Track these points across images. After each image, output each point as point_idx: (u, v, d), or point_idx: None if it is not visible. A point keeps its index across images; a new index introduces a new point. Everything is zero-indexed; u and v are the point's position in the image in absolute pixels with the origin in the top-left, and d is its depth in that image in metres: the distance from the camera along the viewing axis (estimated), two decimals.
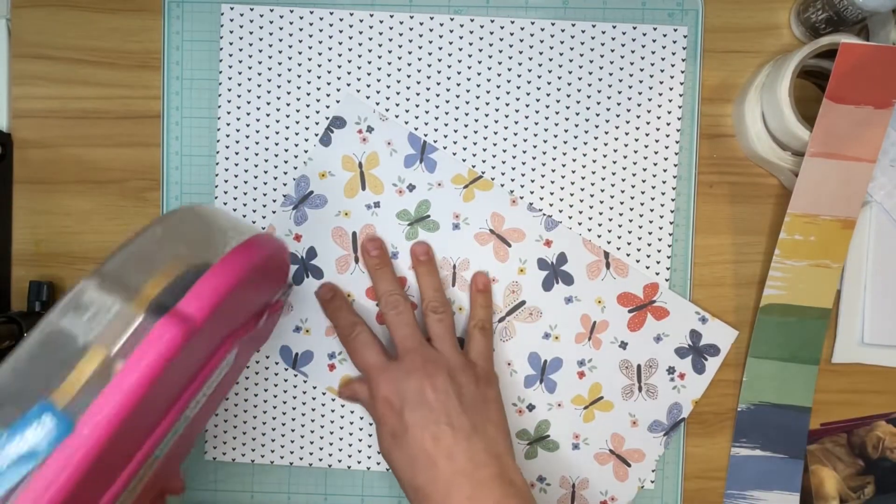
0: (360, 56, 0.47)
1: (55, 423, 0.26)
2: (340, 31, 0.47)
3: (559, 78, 0.47)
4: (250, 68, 0.47)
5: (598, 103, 0.47)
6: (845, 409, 0.48)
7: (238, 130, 0.47)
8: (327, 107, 0.47)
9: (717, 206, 0.47)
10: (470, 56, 0.47)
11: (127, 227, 0.48)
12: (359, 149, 0.47)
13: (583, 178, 0.47)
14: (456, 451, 0.39)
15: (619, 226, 0.47)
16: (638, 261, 0.47)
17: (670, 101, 0.47)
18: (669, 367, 0.47)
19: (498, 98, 0.47)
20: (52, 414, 0.26)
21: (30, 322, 0.45)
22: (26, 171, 0.48)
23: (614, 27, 0.47)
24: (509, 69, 0.47)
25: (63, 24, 0.47)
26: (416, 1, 0.47)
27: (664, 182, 0.47)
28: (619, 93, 0.47)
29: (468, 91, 0.47)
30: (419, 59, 0.47)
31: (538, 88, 0.47)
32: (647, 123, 0.47)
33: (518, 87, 0.47)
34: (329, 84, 0.47)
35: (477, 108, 0.47)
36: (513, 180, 0.47)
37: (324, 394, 0.48)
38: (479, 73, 0.47)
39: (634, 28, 0.46)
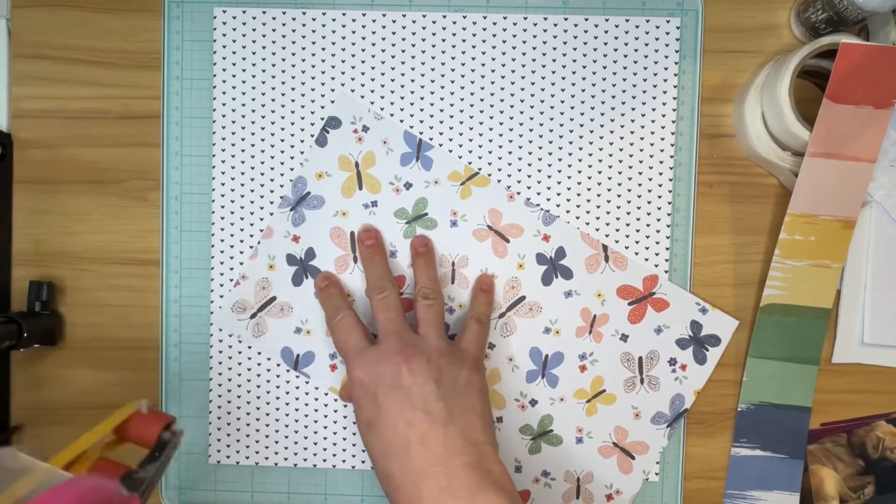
0: (353, 56, 0.47)
1: None
2: (333, 32, 0.47)
3: (553, 72, 0.47)
4: (244, 70, 0.47)
5: (593, 96, 0.47)
6: (845, 409, 0.48)
7: (234, 133, 0.47)
8: (322, 107, 0.47)
9: (716, 205, 0.47)
10: (464, 53, 0.47)
11: (127, 227, 0.48)
12: (355, 148, 0.47)
13: (580, 171, 0.47)
14: (431, 437, 0.38)
15: (617, 219, 0.47)
16: (637, 253, 0.47)
17: (665, 92, 0.47)
18: (671, 359, 0.47)
19: (493, 94, 0.47)
20: None
21: (30, 322, 0.45)
22: (26, 171, 0.48)
23: (607, 20, 0.47)
24: (503, 65, 0.47)
25: (63, 24, 0.47)
26: (416, 0, 0.47)
27: (661, 174, 0.47)
28: (614, 86, 0.47)
29: (463, 88, 0.47)
30: (413, 58, 0.47)
31: (532, 83, 0.47)
32: (643, 115, 0.47)
33: (513, 83, 0.47)
34: (323, 84, 0.47)
35: (472, 105, 0.47)
36: (509, 176, 0.47)
37: (326, 394, 0.48)
38: (473, 70, 0.47)
39: (627, 20, 0.47)
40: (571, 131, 0.47)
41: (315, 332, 0.47)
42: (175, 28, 0.47)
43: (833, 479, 0.48)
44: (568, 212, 0.47)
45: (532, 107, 0.47)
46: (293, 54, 0.47)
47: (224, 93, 0.47)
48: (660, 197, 0.47)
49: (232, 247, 0.47)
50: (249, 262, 0.47)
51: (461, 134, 0.47)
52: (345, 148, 0.47)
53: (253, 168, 0.47)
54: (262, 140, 0.47)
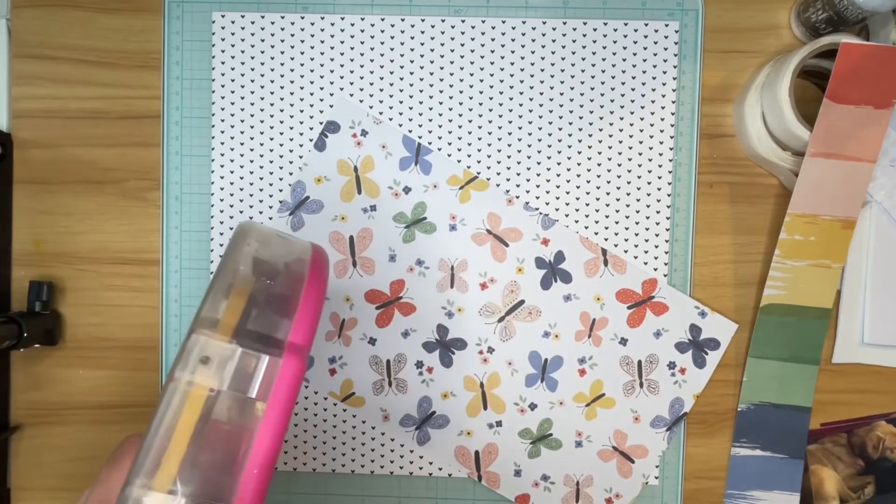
0: (352, 60, 0.47)
1: None
2: (332, 37, 0.47)
3: (552, 76, 0.47)
4: (243, 75, 0.47)
5: (592, 100, 0.47)
6: (845, 409, 0.48)
7: (233, 138, 0.47)
8: (321, 112, 0.47)
9: (717, 205, 0.47)
10: (462, 57, 0.47)
11: (127, 227, 0.48)
12: (353, 153, 0.47)
13: (578, 175, 0.47)
14: None
15: (616, 223, 0.47)
16: (636, 257, 0.47)
17: (664, 96, 0.47)
18: (670, 362, 0.47)
19: (491, 98, 0.47)
20: None
21: (30, 322, 0.45)
22: (26, 171, 0.48)
23: (605, 24, 0.47)
24: (502, 69, 0.47)
25: (63, 24, 0.47)
26: (416, 0, 0.47)
27: (660, 178, 0.47)
28: (613, 89, 0.47)
29: (461, 92, 0.47)
30: (412, 62, 0.47)
31: (531, 87, 0.47)
32: (641, 119, 0.47)
33: (511, 87, 0.47)
34: (322, 89, 0.47)
35: (471, 109, 0.47)
36: (508, 180, 0.47)
37: (325, 399, 0.48)
38: (471, 74, 0.47)
39: (626, 24, 0.47)
40: (570, 135, 0.47)
41: (314, 337, 0.47)
42: (175, 28, 0.47)
43: (833, 479, 0.48)
44: (567, 216, 0.47)
45: (531, 111, 0.47)
46: (292, 59, 0.47)
47: (223, 97, 0.47)
48: (658, 201, 0.47)
49: None
50: None
51: (460, 138, 0.47)
52: (344, 152, 0.47)
53: (252, 173, 0.47)
54: (262, 145, 0.47)
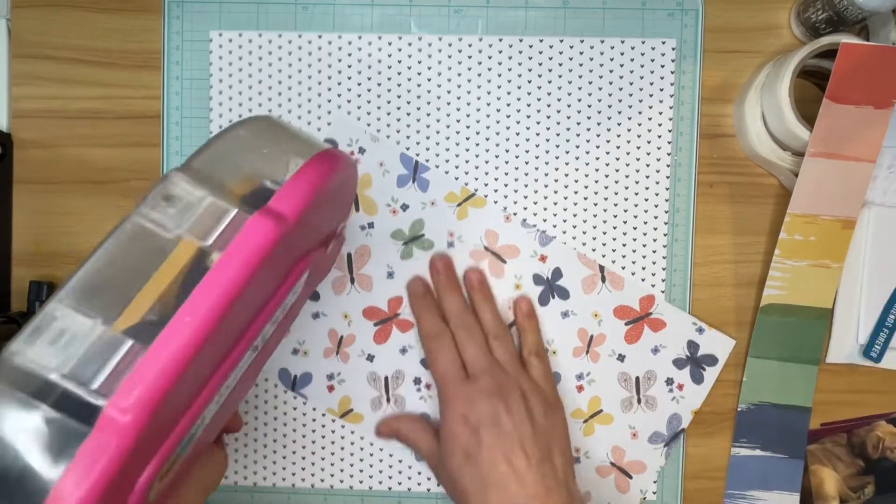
0: (349, 78, 0.47)
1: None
2: (329, 55, 0.47)
3: (549, 94, 0.47)
4: (240, 93, 0.47)
5: (589, 118, 0.47)
6: (845, 409, 0.48)
7: None
8: (318, 130, 0.47)
9: (716, 206, 0.47)
10: (459, 75, 0.47)
11: None
12: None
13: (576, 192, 0.47)
14: (528, 476, 0.39)
15: (614, 239, 0.47)
16: (633, 273, 0.47)
17: (661, 113, 0.47)
18: (668, 379, 0.47)
19: (489, 116, 0.47)
20: None
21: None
22: (26, 171, 0.48)
23: (602, 41, 0.46)
24: (499, 86, 0.47)
25: (63, 24, 0.47)
26: (416, 1, 0.47)
27: (657, 195, 0.47)
28: (610, 107, 0.47)
29: (458, 110, 0.47)
30: (409, 80, 0.47)
31: (528, 105, 0.47)
32: (638, 137, 0.47)
33: (508, 105, 0.47)
34: (320, 107, 0.47)
35: (468, 127, 0.47)
36: (506, 197, 0.47)
37: (323, 415, 0.47)
38: (469, 92, 0.47)
39: (623, 42, 0.46)
40: (567, 152, 0.47)
41: (312, 353, 0.47)
42: (175, 28, 0.47)
43: (833, 479, 0.48)
44: (564, 232, 0.47)
45: (528, 128, 0.47)
46: (290, 77, 0.47)
47: (220, 115, 0.47)
48: (656, 217, 0.47)
49: None
50: None
51: (457, 155, 0.47)
52: None
53: None
54: None
